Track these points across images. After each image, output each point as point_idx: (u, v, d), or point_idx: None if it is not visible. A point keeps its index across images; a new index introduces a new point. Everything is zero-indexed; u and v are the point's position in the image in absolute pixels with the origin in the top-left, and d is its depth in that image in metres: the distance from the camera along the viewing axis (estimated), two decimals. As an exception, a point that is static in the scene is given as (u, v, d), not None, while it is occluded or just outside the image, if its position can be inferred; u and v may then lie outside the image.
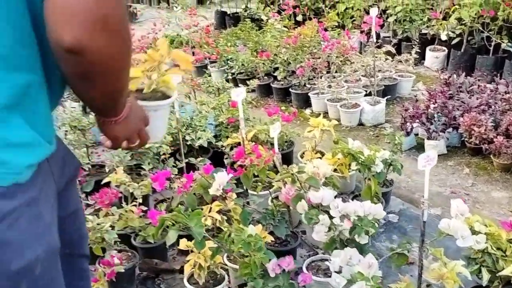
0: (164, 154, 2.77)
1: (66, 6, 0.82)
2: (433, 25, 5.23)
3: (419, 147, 3.71)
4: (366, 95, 4.29)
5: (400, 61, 4.45)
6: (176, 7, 6.37)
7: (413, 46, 4.73)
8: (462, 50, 5.02)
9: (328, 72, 4.58)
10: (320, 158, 3.16)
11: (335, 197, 2.22)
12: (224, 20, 7.39)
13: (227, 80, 4.85)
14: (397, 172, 2.83)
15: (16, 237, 0.96)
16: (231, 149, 3.09)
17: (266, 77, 4.80)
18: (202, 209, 2.41)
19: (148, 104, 1.33)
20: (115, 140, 1.18)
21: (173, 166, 2.86)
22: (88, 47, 0.84)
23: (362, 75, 4.54)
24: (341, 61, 4.43)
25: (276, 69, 4.75)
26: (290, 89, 4.58)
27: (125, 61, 0.96)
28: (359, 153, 2.62)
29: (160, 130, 1.40)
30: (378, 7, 5.95)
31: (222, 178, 2.23)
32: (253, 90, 4.52)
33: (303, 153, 3.38)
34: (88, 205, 2.48)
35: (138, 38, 4.89)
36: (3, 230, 0.94)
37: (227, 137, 3.23)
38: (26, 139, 0.98)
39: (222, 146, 3.01)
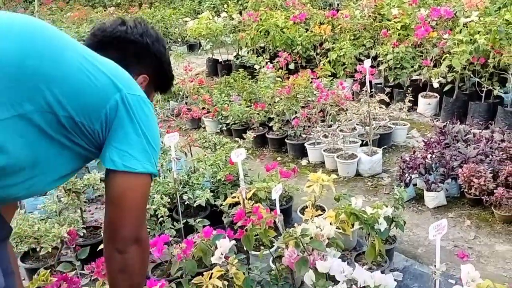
0: (162, 216, 2.69)
1: (119, 231, 1.41)
2: (424, 72, 5.28)
3: (418, 198, 3.67)
4: (362, 144, 4.28)
5: (396, 109, 4.46)
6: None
7: (406, 94, 4.76)
8: (454, 97, 5.07)
9: (323, 121, 4.58)
10: (321, 215, 3.11)
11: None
12: (216, 68, 7.43)
13: (222, 131, 4.84)
14: (400, 228, 2.79)
15: None
16: (230, 207, 3.03)
17: (261, 128, 4.79)
18: (202, 274, 2.34)
19: None
20: None
21: (171, 227, 2.79)
22: (130, 251, 1.41)
23: (356, 124, 4.54)
24: (336, 111, 4.43)
25: (271, 119, 4.75)
26: (285, 140, 4.56)
27: (147, 259, 1.56)
28: (362, 212, 2.57)
29: None
30: (369, 55, 6.07)
31: (224, 245, 2.16)
32: (247, 141, 4.49)
33: (303, 208, 3.32)
34: (82, 275, 2.39)
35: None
36: None
37: (225, 194, 3.17)
38: None
39: (221, 205, 2.95)
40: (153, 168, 1.41)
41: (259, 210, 2.62)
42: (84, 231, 2.71)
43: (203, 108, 4.65)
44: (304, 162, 4.44)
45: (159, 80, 1.67)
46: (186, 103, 5.09)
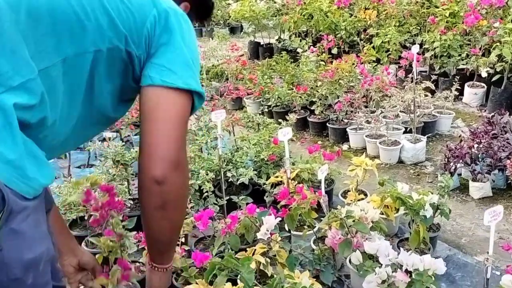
0: (207, 191, 2.73)
1: (157, 155, 1.20)
2: (472, 61, 5.14)
3: (463, 188, 3.60)
4: (405, 132, 4.21)
5: (441, 98, 4.37)
6: (212, 38, 6.44)
7: (453, 82, 4.65)
8: (503, 87, 4.92)
9: (365, 107, 4.52)
10: (363, 199, 3.09)
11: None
12: (257, 51, 7.42)
13: (263, 113, 4.84)
14: (445, 216, 2.74)
15: (27, 231, 1.05)
16: (272, 186, 3.04)
17: (302, 111, 4.77)
18: (246, 250, 2.36)
19: None
20: None
21: (214, 203, 2.82)
22: (169, 178, 1.21)
23: (400, 111, 4.47)
24: (379, 96, 4.37)
25: (313, 102, 4.72)
26: (327, 124, 4.53)
27: (187, 191, 1.37)
28: (408, 197, 2.54)
29: None
30: (414, 42, 5.94)
31: (270, 221, 2.17)
32: (288, 124, 4.48)
33: (344, 192, 3.31)
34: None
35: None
36: (19, 221, 1.03)
37: (267, 174, 3.18)
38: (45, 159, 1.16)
39: (264, 183, 2.96)
40: (197, 85, 1.25)
41: (303, 190, 2.62)
42: (131, 201, 2.77)
43: (248, 88, 4.65)
44: (345, 147, 4.40)
45: (200, 7, 1.57)
46: (236, 87, 5.08)
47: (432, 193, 2.78)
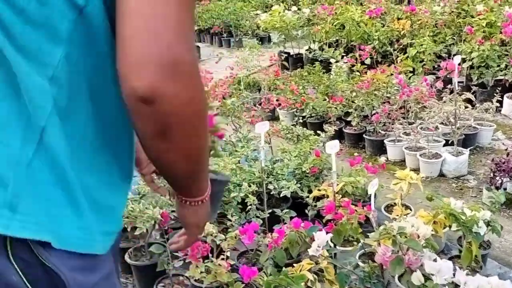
0: (251, 204, 2.67)
1: (137, 53, 0.77)
2: (511, 72, 5.01)
3: (509, 203, 3.47)
4: (445, 144, 4.10)
5: (482, 110, 4.25)
6: (240, 49, 6.41)
7: (494, 94, 4.52)
8: (545, 99, 4.78)
9: (403, 118, 4.43)
10: (408, 214, 3.00)
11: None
12: (288, 61, 7.37)
13: (297, 123, 4.77)
14: (496, 233, 2.63)
15: None
16: (314, 200, 2.97)
17: (337, 122, 4.69)
18: (293, 266, 2.30)
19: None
20: (195, 229, 1.11)
21: (257, 216, 2.76)
22: (162, 93, 0.78)
23: (439, 123, 4.37)
24: (419, 108, 4.27)
25: (348, 113, 4.64)
26: (364, 135, 4.45)
27: (201, 109, 0.85)
28: (461, 214, 2.45)
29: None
30: (449, 52, 5.84)
31: (321, 237, 2.11)
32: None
33: (387, 206, 3.22)
34: (174, 257, 2.40)
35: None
36: None
37: (309, 186, 3.12)
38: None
39: (307, 196, 2.89)
40: None
41: (350, 204, 2.55)
42: (174, 213, 2.73)
43: (288, 99, 4.59)
44: (382, 159, 4.30)
45: None
46: (277, 100, 4.98)
47: (483, 209, 2.69)
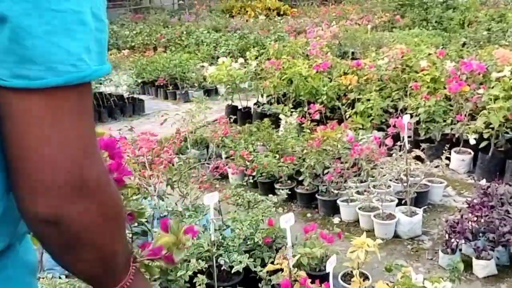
0: (200, 284, 2.44)
1: (36, 178, 0.71)
2: (458, 127, 5.08)
3: (466, 266, 3.38)
4: (398, 203, 4.03)
5: (432, 167, 4.23)
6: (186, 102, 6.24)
7: (443, 151, 4.54)
8: (490, 154, 4.84)
9: (354, 176, 4.34)
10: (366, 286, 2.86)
11: None
12: (235, 115, 7.27)
13: (247, 183, 4.60)
14: (459, 305, 2.52)
15: None
16: (268, 273, 2.77)
17: (289, 181, 4.56)
18: None
19: None
20: None
21: (206, 296, 2.53)
22: (68, 214, 0.73)
23: (390, 180, 4.31)
24: (371, 167, 4.21)
25: (299, 172, 4.52)
26: (316, 195, 4.32)
27: (114, 217, 0.82)
28: (423, 289, 2.32)
29: None
30: (396, 107, 5.90)
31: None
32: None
33: (344, 275, 3.07)
34: None
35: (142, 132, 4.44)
36: None
37: (262, 258, 2.92)
38: None
39: (260, 270, 2.69)
40: (89, 62, 0.73)
41: (307, 282, 2.38)
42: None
43: (240, 165, 4.42)
44: (336, 220, 4.19)
45: None
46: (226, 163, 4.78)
47: (443, 279, 2.58)
